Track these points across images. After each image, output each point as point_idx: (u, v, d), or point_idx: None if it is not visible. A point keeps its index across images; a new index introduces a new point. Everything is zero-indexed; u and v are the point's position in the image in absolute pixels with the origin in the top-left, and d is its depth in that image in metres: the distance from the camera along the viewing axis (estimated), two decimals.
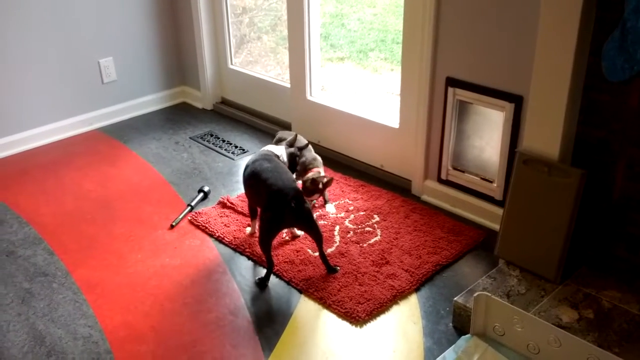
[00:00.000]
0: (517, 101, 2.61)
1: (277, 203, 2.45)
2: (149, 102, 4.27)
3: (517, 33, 2.53)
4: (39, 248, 2.83)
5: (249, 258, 2.73)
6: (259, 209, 2.69)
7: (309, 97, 3.63)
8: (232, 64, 4.17)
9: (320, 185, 2.85)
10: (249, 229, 2.87)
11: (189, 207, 3.07)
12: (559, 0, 2.12)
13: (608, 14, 2.08)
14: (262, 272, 2.61)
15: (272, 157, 2.70)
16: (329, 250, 2.72)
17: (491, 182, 2.85)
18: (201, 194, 3.15)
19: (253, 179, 2.62)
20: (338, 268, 2.60)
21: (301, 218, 2.49)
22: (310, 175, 2.90)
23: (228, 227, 2.92)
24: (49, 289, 2.57)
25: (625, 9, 1.97)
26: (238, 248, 2.78)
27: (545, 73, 2.24)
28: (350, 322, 2.36)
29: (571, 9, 2.09)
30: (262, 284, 2.56)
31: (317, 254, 2.66)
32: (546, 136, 2.30)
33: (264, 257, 2.56)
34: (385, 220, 2.93)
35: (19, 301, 2.51)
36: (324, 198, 3.06)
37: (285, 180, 2.53)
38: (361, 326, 2.34)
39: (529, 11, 2.44)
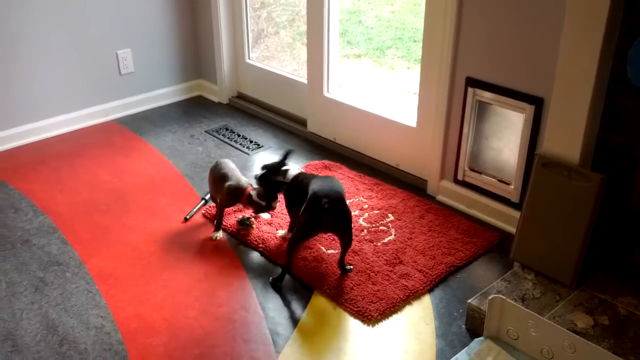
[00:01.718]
0: (537, 103, 2.58)
1: (316, 205, 2.40)
2: (166, 94, 4.27)
3: (540, 34, 2.50)
4: (53, 237, 2.84)
5: (262, 254, 2.72)
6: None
7: (325, 94, 3.62)
8: (249, 58, 4.16)
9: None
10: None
11: (203, 201, 3.07)
12: (586, 2, 2.10)
13: (635, 17, 2.05)
14: (275, 268, 2.61)
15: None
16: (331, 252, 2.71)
17: (508, 184, 2.83)
18: None
19: (296, 187, 2.60)
20: (351, 267, 2.59)
21: (340, 224, 2.46)
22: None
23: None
24: (63, 279, 2.58)
25: None
26: (251, 243, 2.77)
27: (569, 75, 2.21)
28: (362, 321, 2.35)
29: (597, 11, 2.06)
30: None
31: (330, 251, 2.67)
32: (567, 139, 2.28)
33: (286, 257, 2.51)
34: (399, 220, 2.91)
35: (32, 289, 2.52)
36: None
37: (329, 184, 2.52)
38: (373, 325, 2.33)
39: (552, 12, 2.41)
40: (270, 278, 2.56)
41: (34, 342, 2.26)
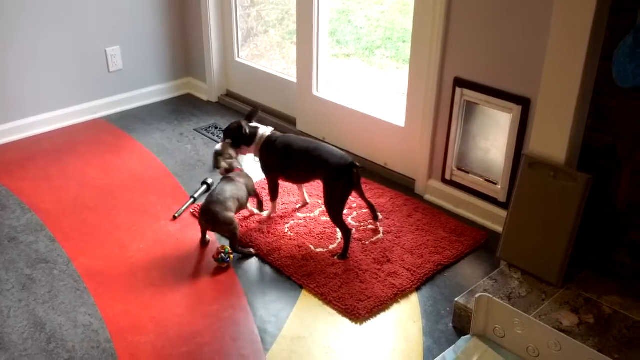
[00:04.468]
0: (524, 104, 2.60)
1: (345, 170, 2.62)
2: (154, 92, 4.26)
3: (527, 35, 2.52)
4: (41, 235, 2.83)
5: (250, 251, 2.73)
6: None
7: (315, 93, 3.63)
8: (238, 56, 4.16)
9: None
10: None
11: (192, 199, 3.06)
12: (572, 4, 2.12)
13: (620, 19, 2.07)
14: (263, 266, 2.62)
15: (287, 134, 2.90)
16: (331, 247, 2.73)
17: (495, 184, 2.85)
18: (204, 187, 3.15)
19: (302, 155, 2.75)
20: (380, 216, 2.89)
21: (359, 180, 2.73)
22: None
23: None
24: (50, 276, 2.57)
25: (639, 15, 1.97)
26: (240, 241, 2.77)
27: (555, 76, 2.24)
28: (351, 319, 2.36)
29: (584, 13, 2.09)
30: (344, 255, 2.66)
31: (319, 250, 2.71)
32: (553, 140, 2.30)
33: (340, 227, 2.68)
34: (387, 219, 2.93)
35: (20, 287, 2.51)
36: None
37: (336, 150, 2.74)
38: (361, 323, 2.35)
39: (540, 14, 2.43)
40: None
41: (21, 340, 2.25)
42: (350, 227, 2.74)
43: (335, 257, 2.66)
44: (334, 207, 2.66)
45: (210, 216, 2.65)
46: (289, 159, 2.78)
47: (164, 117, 4.05)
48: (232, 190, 2.72)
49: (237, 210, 2.76)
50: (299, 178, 2.87)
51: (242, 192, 2.77)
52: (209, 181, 3.17)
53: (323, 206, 3.00)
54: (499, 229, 2.74)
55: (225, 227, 2.68)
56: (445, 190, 3.05)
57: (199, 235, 2.80)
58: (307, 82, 3.64)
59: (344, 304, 2.41)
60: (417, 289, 2.52)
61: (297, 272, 2.58)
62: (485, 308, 2.03)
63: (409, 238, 2.79)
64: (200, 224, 2.75)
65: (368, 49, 4.74)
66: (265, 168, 2.86)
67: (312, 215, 2.96)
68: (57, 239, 2.80)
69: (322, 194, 3.05)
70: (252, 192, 2.87)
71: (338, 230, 2.82)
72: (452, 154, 2.96)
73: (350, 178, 2.64)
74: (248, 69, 4.11)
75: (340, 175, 2.63)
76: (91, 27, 3.83)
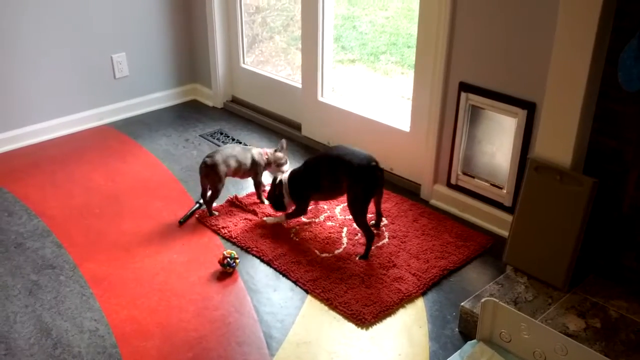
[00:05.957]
0: (529, 108, 2.60)
1: (367, 172, 2.64)
2: (160, 98, 4.28)
3: (532, 39, 2.52)
4: (47, 240, 2.84)
5: (255, 256, 2.73)
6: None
7: (320, 98, 3.64)
8: (243, 63, 4.18)
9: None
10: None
11: (197, 205, 3.07)
12: (577, 8, 2.12)
13: (626, 23, 2.07)
14: (267, 269, 2.62)
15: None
16: (337, 252, 2.73)
17: (501, 188, 2.85)
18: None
19: (323, 160, 2.81)
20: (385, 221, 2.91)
21: (382, 180, 2.75)
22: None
23: (236, 225, 2.92)
24: (56, 282, 2.58)
25: None
26: (245, 246, 2.78)
27: (561, 80, 2.23)
28: (356, 324, 2.36)
29: (589, 17, 2.09)
30: (366, 255, 2.69)
31: (324, 254, 2.71)
32: (559, 144, 2.30)
33: (363, 230, 2.69)
34: (393, 224, 2.93)
35: (26, 293, 2.52)
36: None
37: (357, 150, 2.74)
38: (367, 328, 2.34)
39: (545, 18, 2.43)
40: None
41: (28, 345, 2.25)
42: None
43: (357, 258, 2.68)
44: (358, 211, 2.67)
45: (210, 161, 2.91)
46: (312, 171, 2.81)
47: (170, 123, 4.07)
48: (239, 152, 3.01)
49: (235, 172, 3.01)
50: (329, 188, 2.80)
51: (247, 160, 3.02)
52: None
53: (328, 211, 3.01)
54: (504, 233, 2.73)
55: (214, 178, 2.93)
56: (450, 195, 3.05)
57: (204, 240, 2.81)
58: (312, 87, 3.65)
59: (349, 309, 2.40)
60: (423, 294, 2.52)
61: (302, 277, 2.58)
62: (492, 313, 2.03)
63: (415, 243, 2.78)
64: (200, 170, 2.97)
65: (373, 55, 4.74)
66: (294, 194, 2.86)
67: (317, 220, 2.96)
68: (63, 245, 2.81)
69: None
70: (255, 166, 3.04)
71: (344, 234, 2.82)
72: (458, 158, 2.96)
73: (375, 179, 2.67)
74: (253, 75, 4.12)
75: (363, 176, 2.64)
76: (97, 34, 3.85)
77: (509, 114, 2.70)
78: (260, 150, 3.10)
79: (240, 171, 3.03)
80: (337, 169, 2.70)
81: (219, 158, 2.93)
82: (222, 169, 2.93)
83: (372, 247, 2.74)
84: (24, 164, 3.53)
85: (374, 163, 2.65)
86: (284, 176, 2.89)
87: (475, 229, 2.89)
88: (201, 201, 3.08)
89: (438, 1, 2.80)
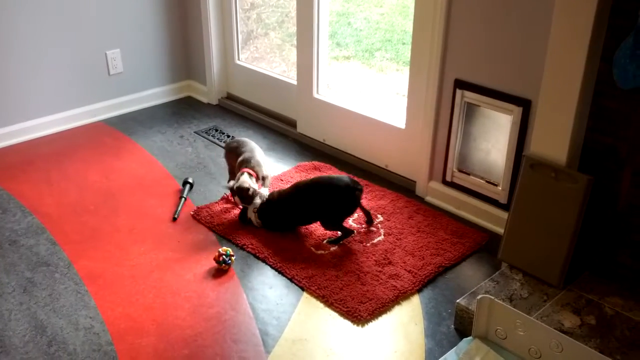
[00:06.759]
0: (525, 105, 2.61)
1: (349, 192, 2.72)
2: (155, 95, 4.27)
3: (528, 37, 2.53)
4: (41, 238, 2.83)
5: (251, 254, 2.72)
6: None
7: (315, 95, 3.63)
8: (238, 59, 4.17)
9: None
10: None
11: (183, 199, 3.08)
12: (572, 5, 2.12)
13: (621, 21, 2.08)
14: (264, 266, 2.62)
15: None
16: (332, 249, 2.72)
17: (496, 185, 2.85)
18: (188, 185, 3.20)
19: (313, 190, 2.81)
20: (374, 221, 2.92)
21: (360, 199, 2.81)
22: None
23: (231, 222, 2.91)
24: (51, 279, 2.57)
25: (639, 16, 1.97)
26: (241, 244, 2.77)
27: (556, 77, 2.24)
28: (352, 321, 2.36)
29: (584, 14, 2.09)
30: (337, 241, 2.76)
31: (320, 252, 2.70)
32: (554, 141, 2.30)
33: (342, 230, 2.77)
34: (388, 221, 2.93)
35: (20, 290, 2.51)
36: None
37: (335, 176, 2.92)
38: (363, 325, 2.34)
39: (540, 15, 2.43)
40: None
41: (22, 343, 2.25)
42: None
43: (325, 242, 2.75)
44: (336, 222, 2.77)
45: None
46: (292, 201, 2.82)
47: (165, 119, 4.05)
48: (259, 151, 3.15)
49: (232, 167, 3.10)
50: (308, 215, 2.83)
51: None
52: (190, 180, 3.22)
53: None
54: (500, 230, 2.73)
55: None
56: (446, 192, 3.05)
57: (200, 237, 2.81)
58: (307, 84, 3.64)
59: (345, 306, 2.41)
60: (419, 291, 2.52)
61: (298, 274, 2.58)
62: (487, 310, 2.03)
63: (410, 240, 2.79)
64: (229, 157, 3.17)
65: (368, 51, 4.74)
66: (274, 223, 2.87)
67: None
68: (57, 242, 2.80)
69: None
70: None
71: (339, 232, 2.82)
72: (453, 155, 2.96)
73: (354, 200, 2.75)
74: (248, 71, 4.12)
75: (343, 197, 2.73)
76: (91, 30, 3.84)
77: (504, 111, 2.71)
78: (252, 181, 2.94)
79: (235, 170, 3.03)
80: (317, 195, 2.77)
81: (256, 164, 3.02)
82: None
83: (368, 244, 2.75)
84: (18, 161, 3.51)
85: (351, 184, 2.74)
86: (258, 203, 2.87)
87: (470, 226, 2.90)
88: (185, 195, 3.10)
89: None
